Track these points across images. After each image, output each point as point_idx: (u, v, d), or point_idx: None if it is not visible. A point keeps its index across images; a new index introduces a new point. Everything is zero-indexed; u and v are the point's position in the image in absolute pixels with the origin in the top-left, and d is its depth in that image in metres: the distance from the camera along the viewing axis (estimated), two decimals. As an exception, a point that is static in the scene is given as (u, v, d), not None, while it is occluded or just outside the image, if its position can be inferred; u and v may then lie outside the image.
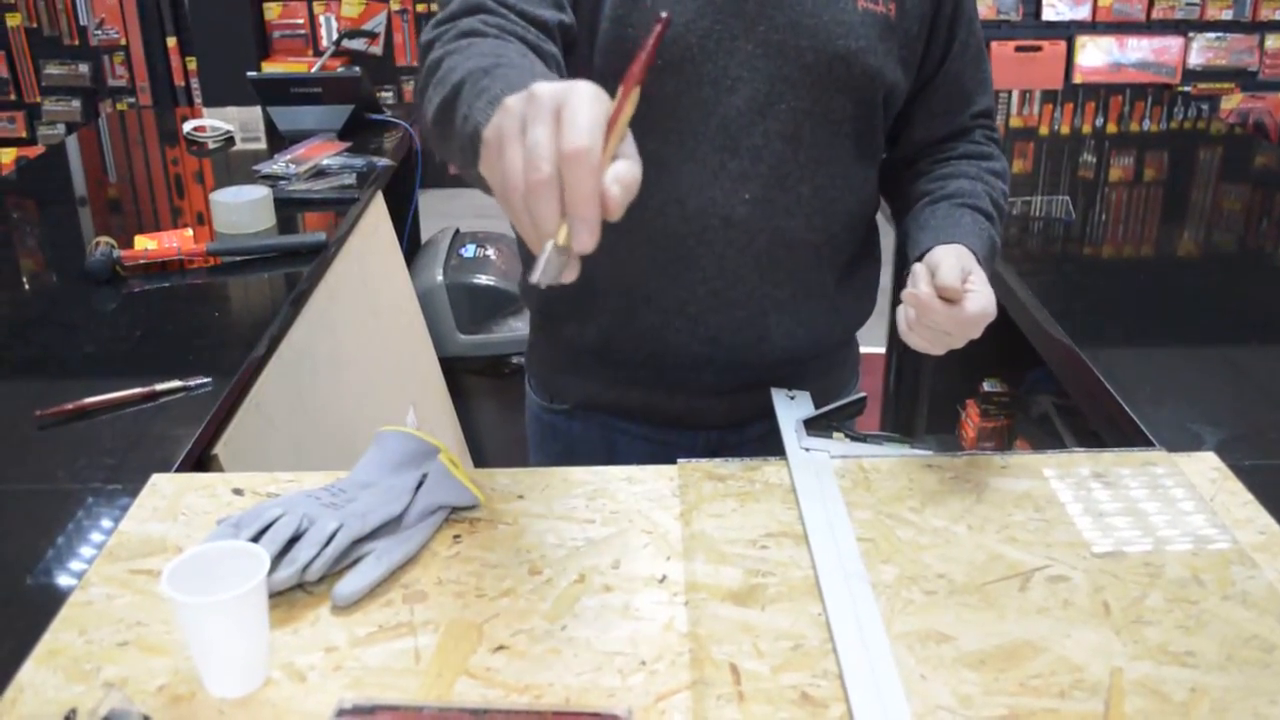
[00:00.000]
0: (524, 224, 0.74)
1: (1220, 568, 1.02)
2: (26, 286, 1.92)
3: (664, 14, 0.77)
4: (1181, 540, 1.06)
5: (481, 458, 2.85)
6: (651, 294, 1.30)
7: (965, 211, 1.27)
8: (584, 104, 0.72)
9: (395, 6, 5.02)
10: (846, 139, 1.27)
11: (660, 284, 1.29)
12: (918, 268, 1.15)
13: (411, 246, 2.95)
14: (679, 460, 1.20)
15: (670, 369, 1.35)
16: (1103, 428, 1.48)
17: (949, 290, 1.09)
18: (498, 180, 0.76)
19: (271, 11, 5.02)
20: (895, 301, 2.91)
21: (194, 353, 1.59)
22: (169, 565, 0.88)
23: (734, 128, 1.22)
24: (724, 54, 1.20)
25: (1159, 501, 1.13)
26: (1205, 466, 1.20)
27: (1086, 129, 2.83)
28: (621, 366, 1.38)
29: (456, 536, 1.08)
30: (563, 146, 0.71)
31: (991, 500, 1.13)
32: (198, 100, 5.08)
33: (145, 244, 1.91)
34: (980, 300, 1.11)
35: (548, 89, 0.73)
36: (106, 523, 1.16)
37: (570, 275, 0.75)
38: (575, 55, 1.19)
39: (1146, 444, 1.30)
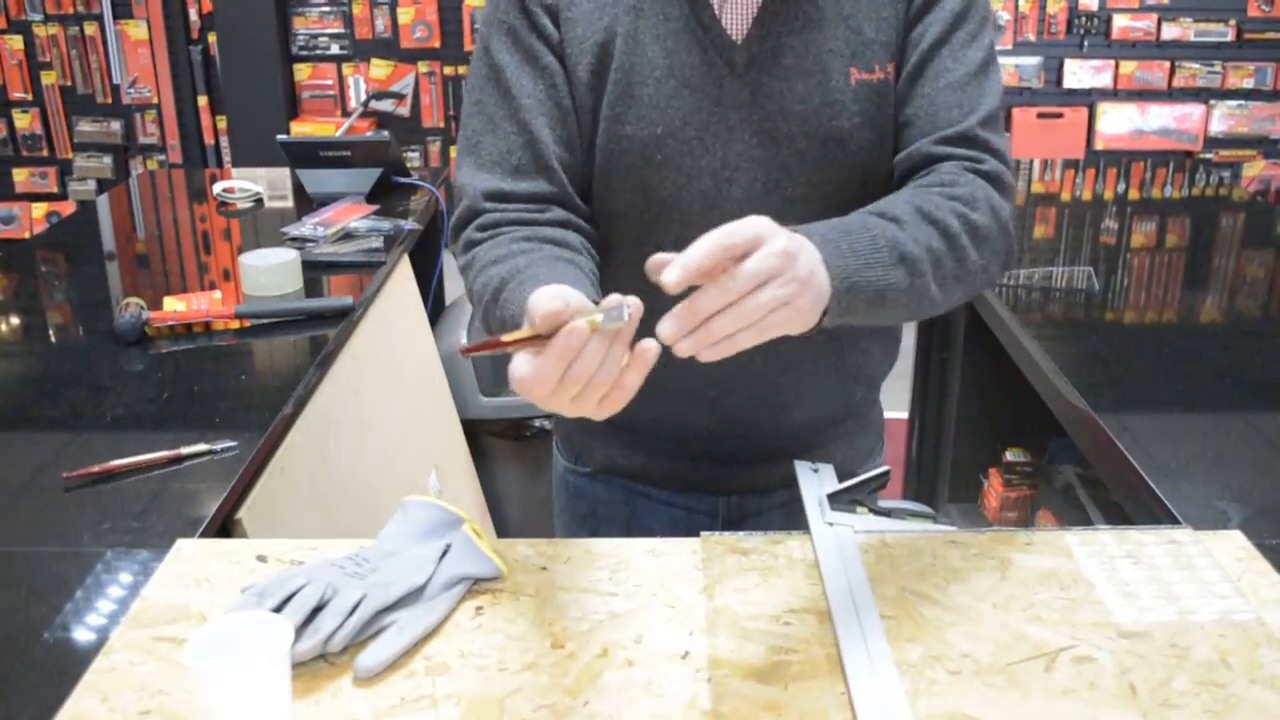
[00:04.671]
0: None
1: (1248, 650, 1.01)
2: (55, 345, 1.94)
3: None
4: (1208, 621, 1.05)
5: (503, 520, 2.85)
6: (664, 380, 1.29)
7: (855, 215, 1.07)
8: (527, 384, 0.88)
9: (423, 69, 5.09)
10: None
11: (670, 371, 1.28)
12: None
13: (436, 308, 2.97)
14: (702, 533, 1.20)
15: (690, 442, 1.36)
16: (1126, 501, 1.47)
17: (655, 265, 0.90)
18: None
19: (301, 72, 5.10)
20: (917, 364, 2.91)
21: (220, 415, 1.60)
22: (194, 635, 0.89)
23: (735, 219, 1.22)
24: (722, 146, 1.20)
25: (1186, 581, 1.12)
26: (1232, 545, 1.19)
27: (1108, 195, 2.83)
28: (643, 436, 1.39)
29: (479, 608, 1.08)
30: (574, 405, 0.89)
31: (1016, 578, 1.12)
32: (227, 158, 5.15)
33: (174, 305, 1.93)
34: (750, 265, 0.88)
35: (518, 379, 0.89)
36: (130, 587, 1.16)
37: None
38: (584, 155, 1.24)
39: (1171, 519, 1.29)
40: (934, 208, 1.10)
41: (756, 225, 0.90)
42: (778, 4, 1.19)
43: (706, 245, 0.87)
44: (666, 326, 0.88)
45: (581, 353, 0.86)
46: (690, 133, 1.20)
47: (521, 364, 0.87)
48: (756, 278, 0.88)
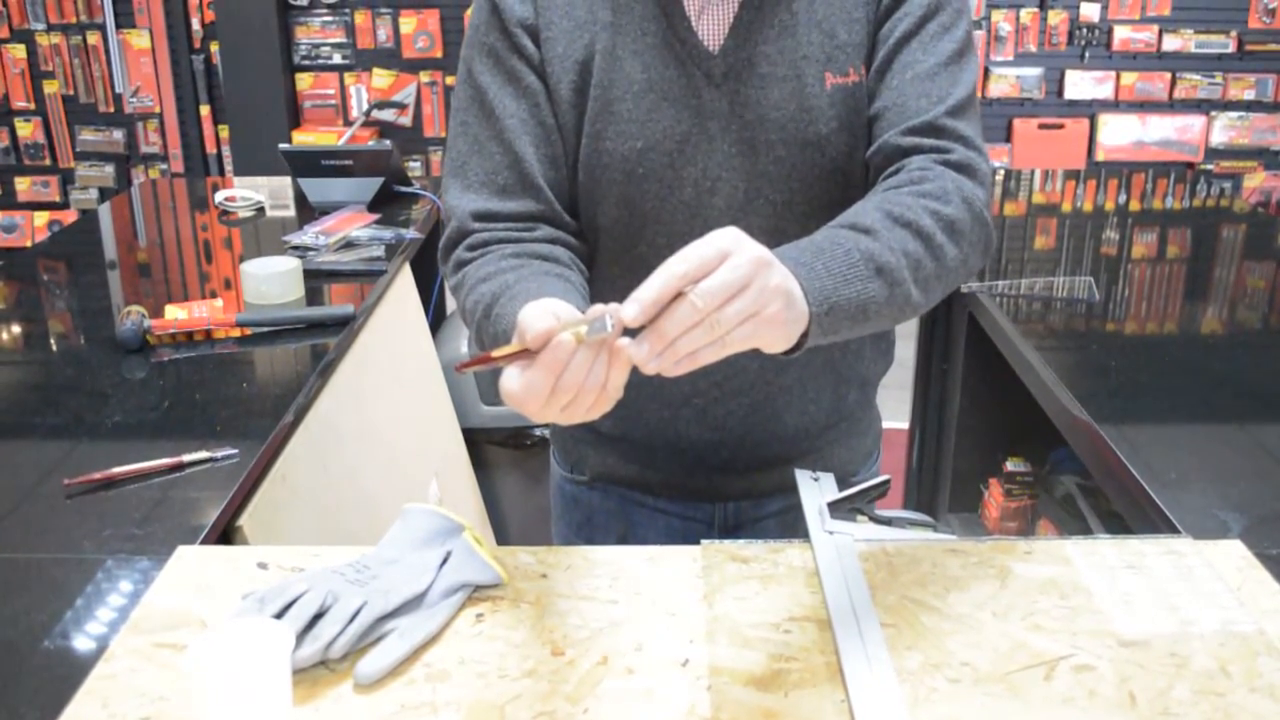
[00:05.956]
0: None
1: (1247, 659, 1.01)
2: (57, 353, 1.94)
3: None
4: (1208, 631, 1.05)
5: (503, 529, 2.85)
6: (656, 390, 1.31)
7: (825, 231, 1.06)
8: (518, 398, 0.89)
9: (425, 79, 5.10)
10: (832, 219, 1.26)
11: (662, 380, 1.29)
12: None
13: (436, 317, 2.97)
14: (702, 541, 1.20)
15: (685, 450, 1.36)
16: (1126, 511, 1.47)
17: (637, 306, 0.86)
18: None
19: (303, 82, 5.11)
20: (917, 374, 2.91)
21: (221, 423, 1.61)
22: (195, 641, 0.89)
23: (718, 228, 1.21)
24: (702, 156, 1.21)
25: (1185, 591, 1.12)
26: (1232, 555, 1.19)
27: (1109, 206, 2.84)
28: (637, 445, 1.39)
29: (479, 615, 1.08)
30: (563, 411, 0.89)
31: (1016, 587, 1.12)
32: (229, 167, 5.16)
33: (175, 313, 1.93)
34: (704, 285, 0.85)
35: (508, 393, 0.90)
36: (131, 594, 1.16)
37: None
38: (569, 172, 1.25)
39: (1171, 529, 1.29)
40: (905, 209, 1.07)
41: (721, 241, 0.87)
42: (752, 13, 1.20)
43: (661, 277, 0.85)
44: (638, 349, 0.87)
45: (569, 365, 0.87)
46: (671, 145, 1.21)
47: (512, 379, 0.89)
48: (725, 290, 0.86)
